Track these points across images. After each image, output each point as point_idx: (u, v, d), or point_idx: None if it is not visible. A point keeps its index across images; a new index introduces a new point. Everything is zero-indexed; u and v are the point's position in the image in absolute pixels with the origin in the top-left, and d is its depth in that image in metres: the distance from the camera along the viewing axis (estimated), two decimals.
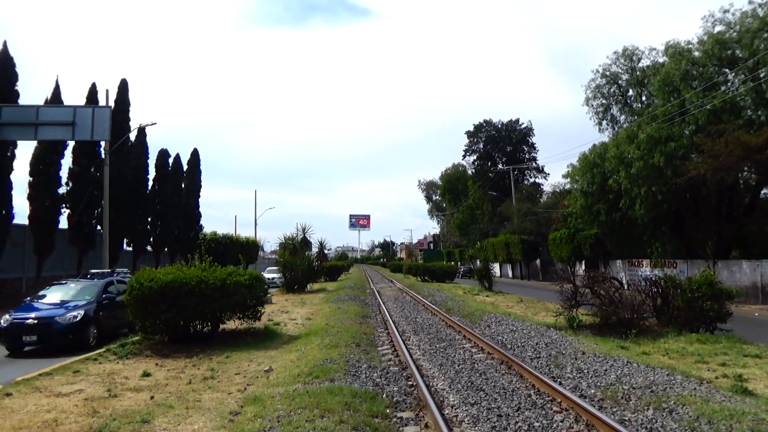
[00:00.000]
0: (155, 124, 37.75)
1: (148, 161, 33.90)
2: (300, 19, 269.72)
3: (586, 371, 9.13)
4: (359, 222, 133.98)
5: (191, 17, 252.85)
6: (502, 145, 71.61)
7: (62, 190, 26.08)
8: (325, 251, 43.91)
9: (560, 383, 8.39)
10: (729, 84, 27.29)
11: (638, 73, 34.38)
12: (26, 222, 24.42)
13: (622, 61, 35.29)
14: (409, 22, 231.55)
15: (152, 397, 7.90)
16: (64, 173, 26.22)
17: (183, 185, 38.49)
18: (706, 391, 7.40)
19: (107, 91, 26.06)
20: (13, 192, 22.76)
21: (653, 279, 14.94)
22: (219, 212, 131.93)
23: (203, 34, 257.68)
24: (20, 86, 23.04)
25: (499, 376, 9.12)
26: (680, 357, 10.72)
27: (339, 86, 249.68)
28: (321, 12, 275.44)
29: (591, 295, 15.00)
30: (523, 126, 72.27)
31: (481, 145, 73.11)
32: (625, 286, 17.99)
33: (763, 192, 29.34)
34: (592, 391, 7.99)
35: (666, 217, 28.88)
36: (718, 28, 27.06)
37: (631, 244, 32.42)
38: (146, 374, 9.46)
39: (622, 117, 36.66)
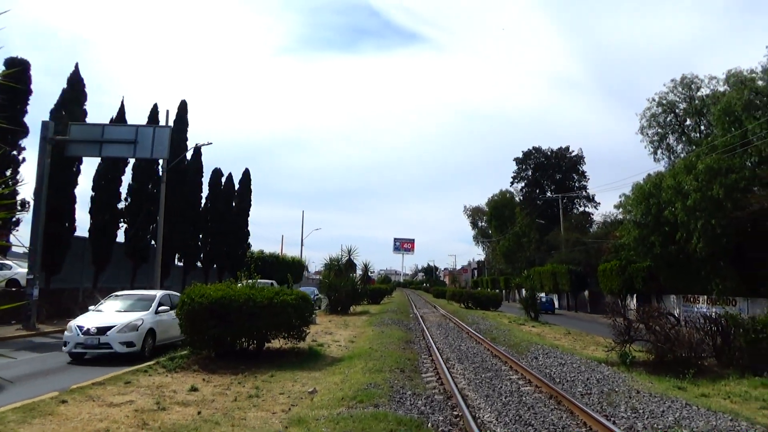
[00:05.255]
0: (211, 144, 39.50)
1: (202, 180, 35.01)
2: (350, 43, 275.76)
3: (641, 411, 8.72)
4: (403, 245, 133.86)
5: (247, 41, 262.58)
6: (552, 173, 70.49)
7: (121, 205, 27.20)
8: (370, 274, 44.00)
9: (614, 422, 8.02)
10: None
11: (697, 102, 33.42)
12: (86, 234, 25.51)
13: (680, 89, 34.42)
14: (457, 46, 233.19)
15: (199, 413, 8.00)
16: (123, 189, 27.40)
17: (234, 204, 39.48)
18: None
19: (167, 111, 27.22)
20: (76, 206, 23.89)
21: (713, 317, 14.25)
22: (266, 231, 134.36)
23: (258, 56, 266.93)
24: (88, 106, 24.36)
25: (548, 411, 8.81)
26: (743, 401, 10.11)
27: (387, 110, 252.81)
28: (371, 36, 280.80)
29: (645, 330, 14.40)
30: (573, 154, 71.06)
31: (530, 172, 72.17)
32: (682, 323, 17.19)
33: None
34: None
35: (726, 251, 27.60)
36: None
37: (687, 278, 31.07)
38: (194, 389, 9.61)
39: (679, 146, 35.64)
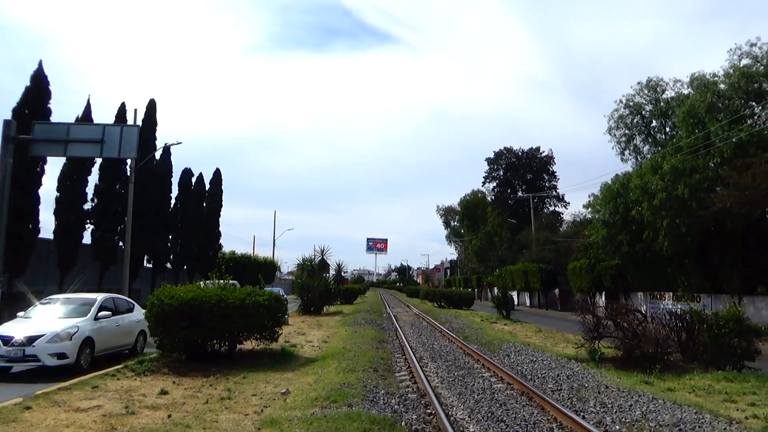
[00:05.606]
0: (180, 143, 39.10)
1: (172, 180, 34.47)
2: (322, 42, 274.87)
3: (609, 406, 8.90)
4: (376, 245, 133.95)
5: (216, 39, 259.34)
6: (522, 173, 71.45)
7: (87, 206, 26.58)
8: (343, 274, 43.91)
9: (584, 417, 8.17)
10: (756, 117, 27.02)
11: (662, 104, 34.23)
12: (51, 236, 24.84)
13: (646, 92, 35.21)
14: (430, 47, 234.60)
15: (170, 416, 7.87)
16: (90, 190, 26.75)
17: (204, 204, 38.97)
18: None
19: (135, 110, 26.73)
20: (40, 207, 23.24)
21: (678, 313, 14.62)
22: (238, 231, 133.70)
23: (227, 55, 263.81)
24: (53, 104, 23.67)
25: (519, 408, 8.93)
26: (707, 395, 10.40)
27: (359, 110, 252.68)
28: (343, 36, 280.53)
29: (614, 327, 14.70)
30: (543, 154, 72.17)
31: (501, 173, 73.03)
32: (649, 320, 17.62)
33: None
34: (617, 427, 7.77)
35: (690, 250, 28.35)
36: (745, 62, 26.97)
37: (653, 276, 31.82)
38: (164, 392, 9.45)
39: (646, 147, 36.47)
